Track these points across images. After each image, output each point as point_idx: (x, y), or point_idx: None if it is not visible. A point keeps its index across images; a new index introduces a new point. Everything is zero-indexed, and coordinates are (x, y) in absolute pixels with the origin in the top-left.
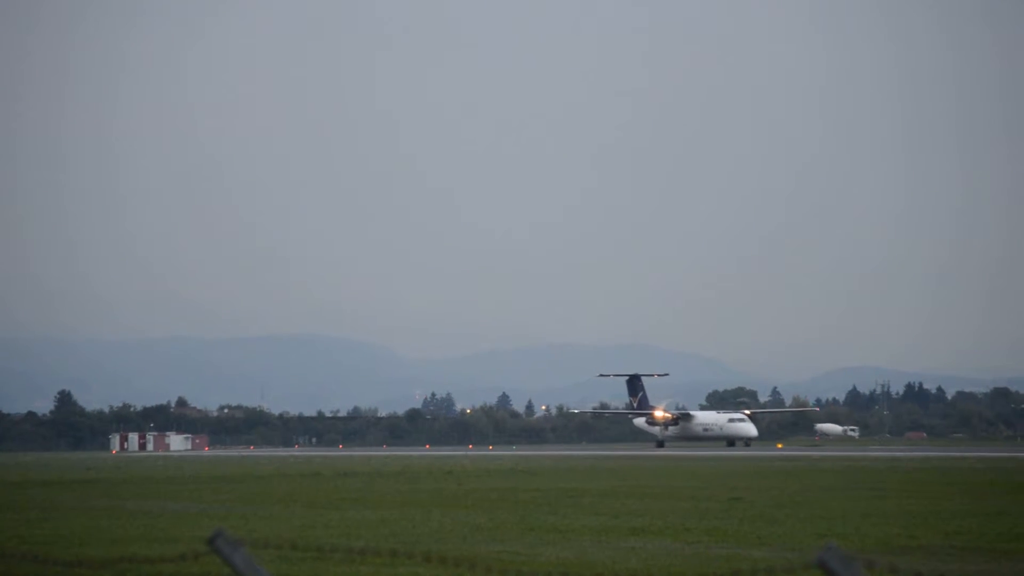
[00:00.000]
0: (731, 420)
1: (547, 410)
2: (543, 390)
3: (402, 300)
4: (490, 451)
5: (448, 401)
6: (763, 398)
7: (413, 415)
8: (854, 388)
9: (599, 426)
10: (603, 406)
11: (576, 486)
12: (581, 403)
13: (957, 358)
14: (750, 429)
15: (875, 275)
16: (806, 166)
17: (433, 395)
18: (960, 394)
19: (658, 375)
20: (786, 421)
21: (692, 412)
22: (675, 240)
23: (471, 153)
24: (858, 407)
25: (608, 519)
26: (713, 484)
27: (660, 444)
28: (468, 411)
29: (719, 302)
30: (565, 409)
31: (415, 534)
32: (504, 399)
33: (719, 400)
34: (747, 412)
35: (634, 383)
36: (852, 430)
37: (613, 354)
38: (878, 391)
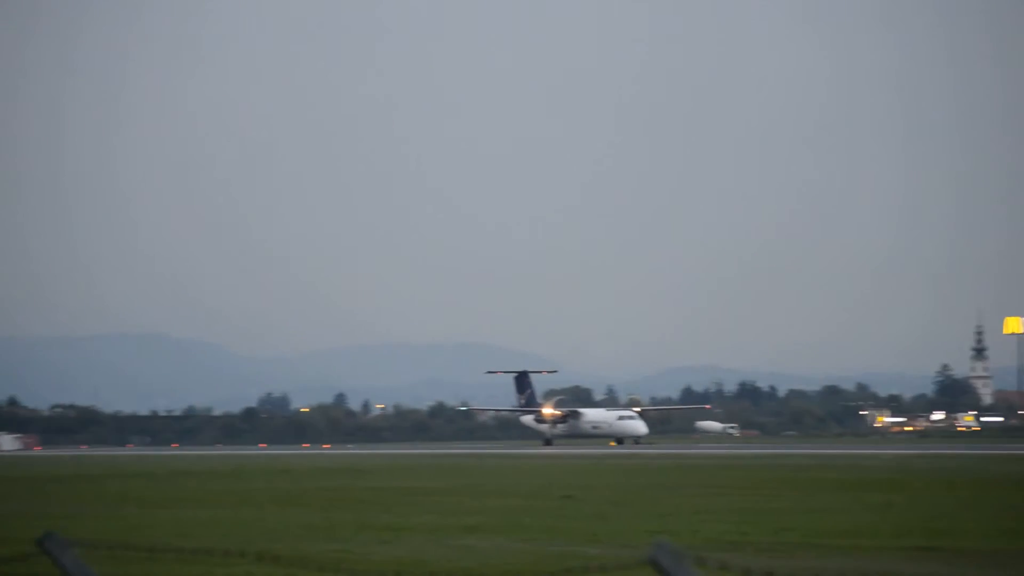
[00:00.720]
0: (620, 418)
1: (384, 408)
2: (381, 388)
3: (238, 298)
4: (325, 450)
5: (284, 400)
6: (598, 396)
7: (249, 414)
8: (688, 387)
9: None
10: (440, 405)
11: (412, 485)
12: (417, 401)
13: (789, 357)
14: (639, 427)
15: (707, 276)
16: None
17: (269, 394)
18: (792, 392)
19: (547, 372)
20: (669, 419)
21: (581, 409)
22: (514, 240)
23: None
24: (691, 405)
25: (443, 517)
26: (552, 482)
27: (548, 442)
28: (304, 410)
29: (555, 302)
30: (401, 407)
31: (248, 533)
32: (341, 398)
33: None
34: (637, 410)
35: (522, 380)
36: (732, 428)
37: (452, 353)
38: (712, 389)
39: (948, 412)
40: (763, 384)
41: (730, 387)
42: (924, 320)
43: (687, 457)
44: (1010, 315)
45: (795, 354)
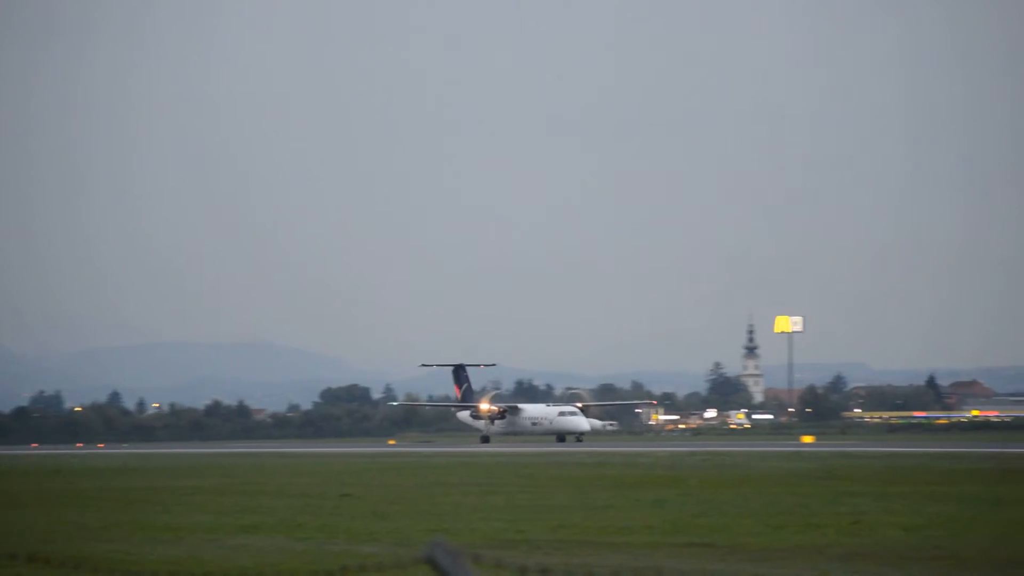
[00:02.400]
0: (561, 414)
1: (159, 408)
2: (156, 388)
3: (10, 291)
4: (100, 450)
5: (57, 399)
6: (376, 395)
7: (19, 413)
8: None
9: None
10: (217, 403)
11: (188, 484)
12: (195, 400)
13: (568, 355)
14: (581, 423)
15: (483, 274)
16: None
17: (42, 392)
18: (567, 390)
19: (484, 365)
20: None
21: (520, 405)
22: (287, 239)
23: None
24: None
25: (220, 517)
26: (328, 481)
27: (485, 439)
28: (78, 409)
29: (338, 299)
30: (177, 406)
31: (21, 534)
32: (115, 396)
33: (332, 397)
34: (579, 405)
35: (459, 373)
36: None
37: (230, 353)
38: (488, 387)
39: (720, 410)
40: (540, 383)
41: (508, 385)
42: (703, 319)
43: (455, 455)
44: (781, 314)
45: (575, 354)
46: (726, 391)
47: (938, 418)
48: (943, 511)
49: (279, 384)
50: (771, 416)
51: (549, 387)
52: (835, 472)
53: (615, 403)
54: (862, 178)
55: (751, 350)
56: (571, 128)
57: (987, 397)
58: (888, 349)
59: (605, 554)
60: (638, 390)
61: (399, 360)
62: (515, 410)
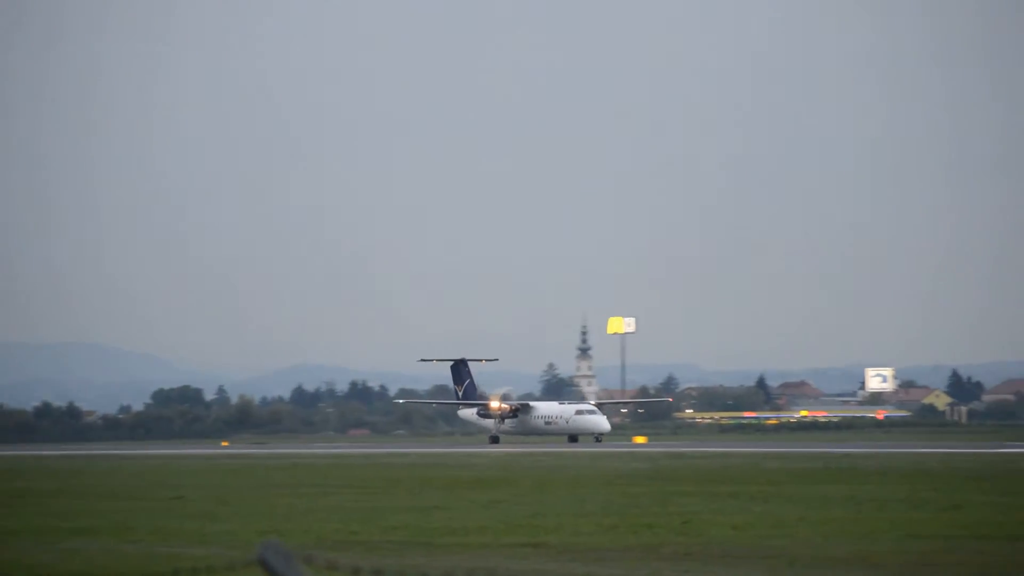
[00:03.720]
0: (579, 412)
1: None
2: None
3: None
4: None
5: None
6: (209, 396)
7: None
8: (300, 386)
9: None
10: (47, 405)
11: (17, 486)
12: (24, 402)
13: (402, 356)
14: (601, 423)
15: (318, 273)
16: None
17: None
18: (402, 391)
19: (486, 360)
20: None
21: (532, 403)
22: (110, 238)
23: None
24: (303, 404)
25: (50, 520)
26: (160, 484)
27: (495, 439)
28: None
29: (178, 299)
30: (4, 408)
31: None
32: None
33: (164, 398)
34: (593, 403)
35: (459, 369)
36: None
37: (62, 353)
38: (323, 389)
39: None
40: (373, 383)
41: (342, 387)
42: (536, 319)
43: (290, 457)
44: (614, 315)
45: (407, 354)
46: (559, 392)
47: (768, 418)
48: (771, 510)
49: (109, 385)
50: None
51: (383, 388)
52: (666, 473)
53: (447, 402)
54: (695, 178)
55: (584, 351)
56: None
57: (815, 397)
58: (720, 350)
59: (439, 555)
60: None
61: (235, 361)
62: (527, 408)
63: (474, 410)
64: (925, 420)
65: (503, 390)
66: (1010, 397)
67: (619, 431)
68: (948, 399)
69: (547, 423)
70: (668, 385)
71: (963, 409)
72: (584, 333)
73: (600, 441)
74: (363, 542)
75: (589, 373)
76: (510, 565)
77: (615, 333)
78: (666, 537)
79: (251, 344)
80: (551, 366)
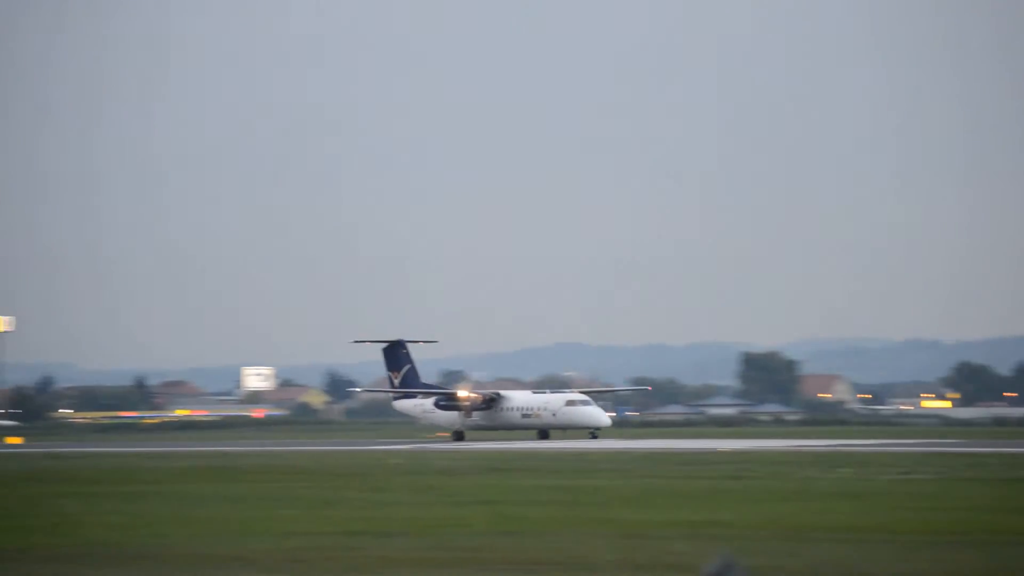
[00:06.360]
0: (570, 403)
1: None
2: None
3: None
4: None
5: None
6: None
7: None
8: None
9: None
10: None
11: None
12: None
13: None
14: (599, 415)
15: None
16: None
17: None
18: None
19: (424, 342)
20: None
21: (504, 392)
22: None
23: None
24: None
25: None
26: None
27: (459, 436)
28: None
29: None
30: None
31: None
32: None
33: None
34: (580, 391)
35: (395, 352)
36: None
37: None
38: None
39: None
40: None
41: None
42: None
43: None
44: None
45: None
46: None
47: (147, 418)
48: (146, 510)
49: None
50: None
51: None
52: (37, 474)
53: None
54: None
55: None
56: None
57: (195, 396)
58: (102, 350)
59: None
60: None
61: None
62: (497, 399)
63: (429, 400)
64: (302, 418)
65: (481, 373)
66: (384, 395)
67: None
68: (325, 397)
69: (525, 415)
70: (43, 385)
71: (339, 407)
72: None
73: (596, 437)
74: None
75: None
76: None
77: None
78: (40, 539)
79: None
80: None
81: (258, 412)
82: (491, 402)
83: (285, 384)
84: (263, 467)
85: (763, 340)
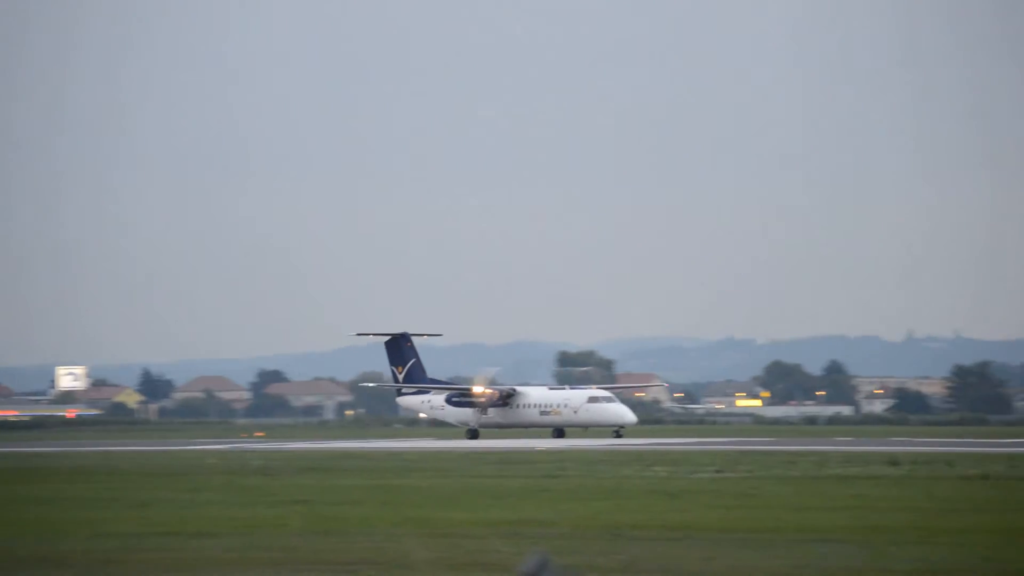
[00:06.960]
0: (593, 399)
1: None
2: None
3: None
4: None
5: None
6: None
7: None
8: None
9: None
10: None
11: None
12: None
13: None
14: (624, 413)
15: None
16: None
17: None
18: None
19: (428, 335)
20: None
21: (521, 388)
22: None
23: None
24: None
25: None
26: None
27: (474, 434)
28: None
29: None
30: None
31: None
32: None
33: None
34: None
35: (399, 345)
36: None
37: None
38: None
39: None
40: None
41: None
42: None
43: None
44: None
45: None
46: None
47: None
48: None
49: None
50: None
51: None
52: None
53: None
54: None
55: None
56: None
57: (6, 396)
58: None
59: None
60: None
61: None
62: (513, 395)
63: (441, 396)
64: (116, 418)
65: (495, 370)
66: (200, 394)
67: None
68: (140, 397)
69: (543, 413)
70: None
71: (154, 407)
72: None
73: (620, 436)
74: None
75: None
76: None
77: None
78: None
79: None
80: None
81: (70, 412)
82: (508, 398)
83: (98, 383)
84: (75, 468)
85: (583, 340)
